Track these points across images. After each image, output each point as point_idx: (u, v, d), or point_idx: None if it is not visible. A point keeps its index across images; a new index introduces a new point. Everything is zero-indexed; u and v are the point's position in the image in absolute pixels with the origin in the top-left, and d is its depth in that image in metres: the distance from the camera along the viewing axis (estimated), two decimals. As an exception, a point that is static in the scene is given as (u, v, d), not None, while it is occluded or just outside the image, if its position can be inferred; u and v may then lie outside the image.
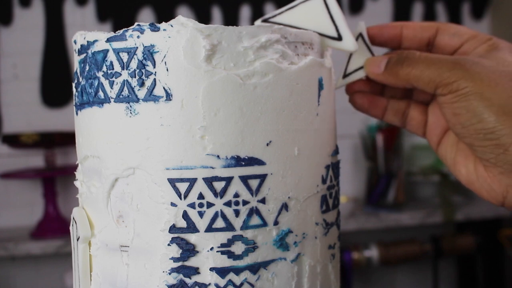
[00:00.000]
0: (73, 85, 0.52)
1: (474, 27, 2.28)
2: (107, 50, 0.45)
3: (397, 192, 1.92)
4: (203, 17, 2.03)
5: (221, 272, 0.44)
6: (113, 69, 0.45)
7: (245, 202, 0.45)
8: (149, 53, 0.43)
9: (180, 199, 0.44)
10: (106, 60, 0.45)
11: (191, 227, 0.44)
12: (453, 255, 2.12)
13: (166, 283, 0.44)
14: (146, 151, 0.44)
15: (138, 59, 0.43)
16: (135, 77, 0.44)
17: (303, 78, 0.48)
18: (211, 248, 0.44)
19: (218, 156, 0.44)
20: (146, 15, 2.05)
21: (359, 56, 0.57)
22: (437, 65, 0.50)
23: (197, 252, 0.44)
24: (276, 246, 0.46)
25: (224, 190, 0.44)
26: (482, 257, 2.13)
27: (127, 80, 0.44)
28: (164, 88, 0.43)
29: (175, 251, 0.44)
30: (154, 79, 0.43)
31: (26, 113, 2.01)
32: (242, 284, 0.45)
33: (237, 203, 0.44)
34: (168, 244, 0.44)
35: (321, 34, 0.54)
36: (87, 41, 0.47)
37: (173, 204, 0.44)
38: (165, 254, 0.44)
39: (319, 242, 0.51)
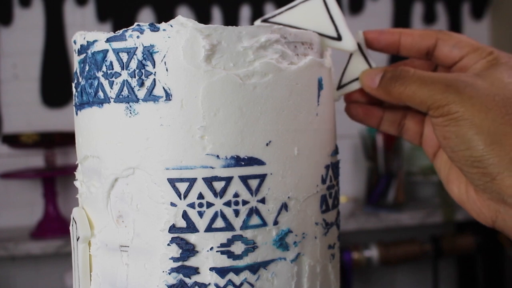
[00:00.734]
0: (73, 85, 0.52)
1: (474, 27, 2.28)
2: (107, 50, 0.45)
3: (397, 192, 1.92)
4: (203, 17, 2.03)
5: (221, 272, 0.44)
6: (112, 69, 0.45)
7: (244, 202, 0.45)
8: (149, 53, 0.43)
9: (180, 199, 0.44)
10: (106, 60, 0.45)
11: (191, 227, 0.44)
12: (453, 255, 2.12)
13: (166, 283, 0.44)
14: (145, 151, 0.44)
15: (137, 59, 0.44)
16: (134, 77, 0.44)
17: (302, 78, 0.48)
18: (211, 248, 0.44)
19: (217, 156, 0.44)
20: (146, 15, 2.05)
21: (355, 67, 0.57)
22: (430, 86, 0.49)
23: (197, 252, 0.44)
24: (276, 246, 0.47)
25: (224, 190, 0.44)
26: (482, 257, 2.13)
27: (126, 80, 0.44)
28: (163, 88, 0.43)
29: (175, 251, 0.44)
30: (154, 79, 0.43)
31: (26, 113, 2.01)
32: (242, 284, 0.45)
33: (236, 203, 0.44)
34: (168, 244, 0.44)
35: (320, 34, 0.54)
36: (87, 41, 0.47)
37: (173, 204, 0.44)
38: (165, 254, 0.44)
39: (319, 242, 0.51)
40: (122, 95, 0.45)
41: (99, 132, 0.47)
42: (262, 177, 0.45)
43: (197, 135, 0.43)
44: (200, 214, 0.44)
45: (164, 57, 0.43)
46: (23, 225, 1.98)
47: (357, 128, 1.98)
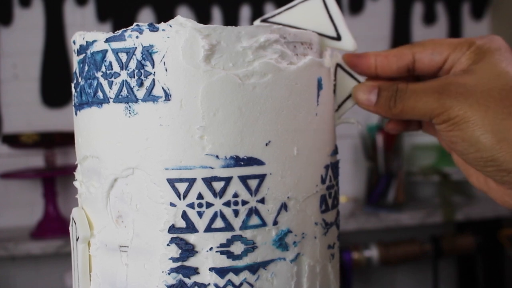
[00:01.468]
0: (72, 85, 0.51)
1: (474, 27, 2.28)
2: (106, 50, 0.45)
3: (397, 192, 1.92)
4: (203, 17, 2.03)
5: (221, 272, 0.44)
6: (112, 69, 0.45)
7: (244, 202, 0.45)
8: (148, 53, 0.43)
9: (179, 199, 0.44)
10: (105, 60, 0.45)
11: (190, 227, 0.44)
12: (453, 255, 2.12)
13: (166, 283, 0.44)
14: (145, 151, 0.44)
15: (137, 59, 0.44)
16: (134, 77, 0.44)
17: (302, 78, 0.48)
18: (210, 248, 0.44)
19: (217, 156, 0.44)
20: (146, 15, 2.05)
21: (344, 85, 0.56)
22: (424, 98, 0.49)
23: (196, 252, 0.44)
24: (275, 246, 0.47)
25: (223, 190, 0.44)
26: (482, 257, 2.13)
27: (126, 80, 0.44)
28: (163, 88, 0.43)
29: (175, 251, 0.44)
30: (153, 79, 0.43)
31: (26, 113, 2.01)
32: (241, 284, 0.45)
33: (236, 203, 0.44)
34: (168, 244, 0.44)
35: (320, 34, 0.54)
36: (86, 41, 0.47)
37: (172, 204, 0.44)
38: (164, 254, 0.44)
39: (319, 242, 0.51)
40: (121, 95, 0.45)
41: (98, 132, 0.47)
42: (261, 177, 0.45)
43: (197, 135, 0.43)
44: (200, 214, 0.44)
45: (163, 57, 0.43)
46: (23, 225, 1.98)
47: (357, 128, 1.97)
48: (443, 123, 0.49)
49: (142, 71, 0.43)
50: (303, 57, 0.49)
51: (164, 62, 0.43)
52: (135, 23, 0.44)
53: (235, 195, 0.44)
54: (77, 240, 0.50)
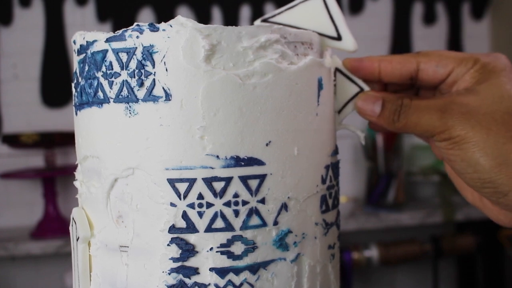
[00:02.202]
0: (73, 85, 0.51)
1: (474, 27, 2.27)
2: (106, 50, 0.45)
3: (397, 192, 1.92)
4: (203, 17, 2.03)
5: (221, 272, 0.44)
6: (112, 69, 0.45)
7: (244, 202, 0.45)
8: (148, 53, 0.43)
9: (180, 199, 0.44)
10: (106, 60, 0.45)
11: (191, 227, 0.44)
12: (453, 255, 2.12)
13: (166, 283, 0.44)
14: (145, 151, 0.44)
15: (137, 59, 0.43)
16: (134, 77, 0.44)
17: (302, 78, 0.48)
18: (211, 249, 0.44)
19: (217, 156, 0.44)
20: (146, 15, 2.05)
21: (343, 90, 0.56)
22: (427, 115, 0.49)
23: (197, 252, 0.44)
24: (275, 246, 0.47)
25: (223, 190, 0.44)
26: (482, 257, 2.13)
27: (126, 80, 0.44)
28: (163, 88, 0.43)
29: (175, 251, 0.44)
30: (154, 79, 0.43)
31: (26, 113, 2.02)
32: (241, 284, 0.45)
33: (236, 203, 0.44)
34: (168, 244, 0.44)
35: (320, 34, 0.54)
36: (87, 41, 0.47)
37: (172, 204, 0.44)
38: (164, 254, 0.44)
39: (319, 242, 0.51)
40: (121, 95, 0.44)
41: (98, 132, 0.47)
42: (262, 177, 0.45)
43: (197, 135, 0.43)
44: (200, 215, 0.44)
45: (163, 57, 0.43)
46: (23, 225, 1.98)
47: (357, 128, 1.97)
48: (443, 141, 0.49)
49: (143, 71, 0.43)
50: (303, 57, 0.49)
51: (164, 62, 0.43)
52: (135, 23, 0.44)
53: (236, 195, 0.44)
54: (77, 240, 0.50)
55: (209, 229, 0.44)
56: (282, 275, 0.47)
